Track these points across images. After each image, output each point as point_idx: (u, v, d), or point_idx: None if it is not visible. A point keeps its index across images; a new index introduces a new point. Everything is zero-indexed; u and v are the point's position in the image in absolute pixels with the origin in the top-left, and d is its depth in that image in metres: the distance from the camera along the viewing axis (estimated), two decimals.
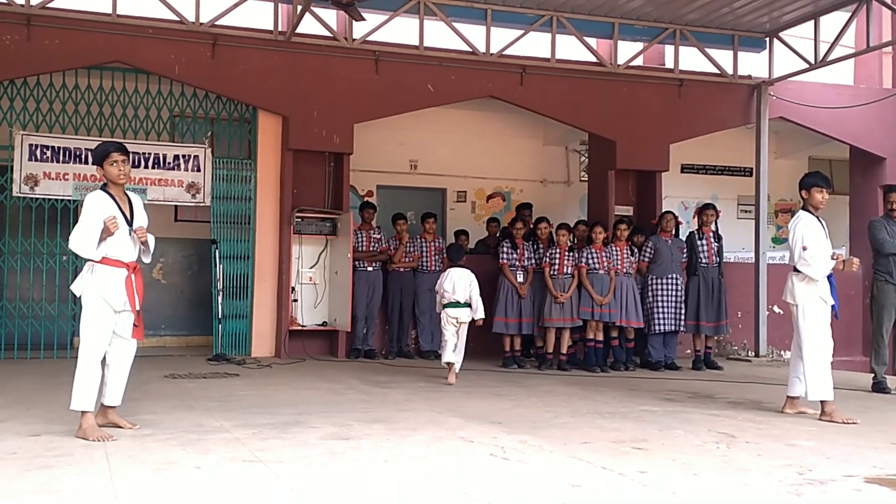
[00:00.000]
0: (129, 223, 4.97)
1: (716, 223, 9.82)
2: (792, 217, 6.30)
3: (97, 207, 4.86)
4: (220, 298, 9.51)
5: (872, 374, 7.73)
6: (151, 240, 5.08)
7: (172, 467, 4.05)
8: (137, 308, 4.96)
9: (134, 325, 4.99)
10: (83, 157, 9.18)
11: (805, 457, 4.58)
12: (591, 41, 10.83)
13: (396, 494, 3.62)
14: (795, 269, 5.98)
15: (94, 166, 5.10)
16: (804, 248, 5.88)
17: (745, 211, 13.22)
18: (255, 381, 7.69)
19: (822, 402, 5.88)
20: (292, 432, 5.02)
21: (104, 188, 5.01)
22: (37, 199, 9.18)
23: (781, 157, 13.57)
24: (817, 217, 6.11)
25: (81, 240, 4.79)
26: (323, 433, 5.00)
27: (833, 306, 5.93)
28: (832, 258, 5.96)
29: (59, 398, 6.15)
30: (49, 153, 9.09)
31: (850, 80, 12.42)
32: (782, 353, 10.72)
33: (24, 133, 9.06)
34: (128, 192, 5.12)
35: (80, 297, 4.93)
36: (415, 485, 3.81)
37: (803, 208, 6.18)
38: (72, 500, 3.41)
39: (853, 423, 5.70)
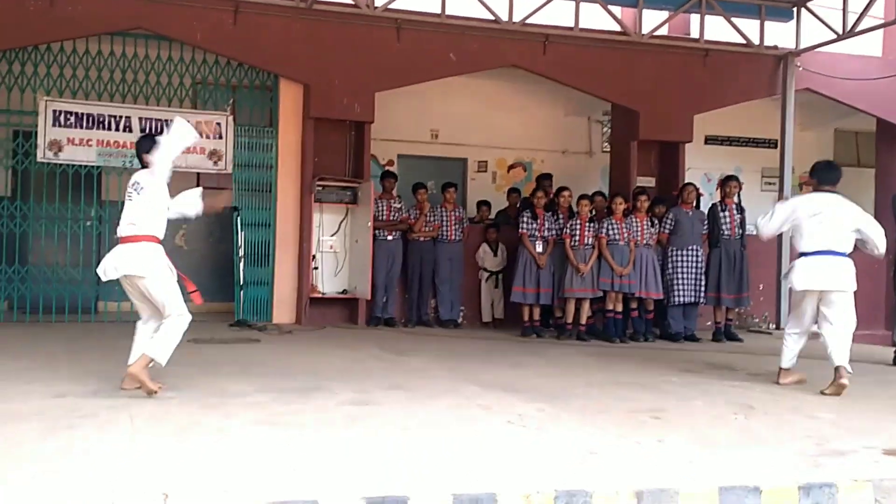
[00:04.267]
0: None
1: (739, 195, 9.73)
2: None
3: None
4: (241, 265, 9.58)
5: (894, 348, 7.68)
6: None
7: (194, 430, 4.11)
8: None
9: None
10: (106, 123, 9.24)
11: (824, 429, 4.58)
12: (616, 10, 10.68)
13: (414, 460, 3.65)
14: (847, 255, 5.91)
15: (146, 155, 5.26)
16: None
17: (769, 183, 13.08)
18: (276, 347, 7.76)
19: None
20: (312, 397, 5.07)
21: None
22: (61, 164, 9.25)
23: (807, 129, 13.39)
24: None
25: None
26: (342, 399, 5.06)
27: None
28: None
29: (84, 361, 6.28)
30: (73, 119, 9.15)
31: (879, 51, 12.20)
32: None
33: (47, 99, 9.11)
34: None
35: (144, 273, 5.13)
36: (432, 451, 3.84)
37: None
38: (95, 460, 3.48)
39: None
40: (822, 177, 6.11)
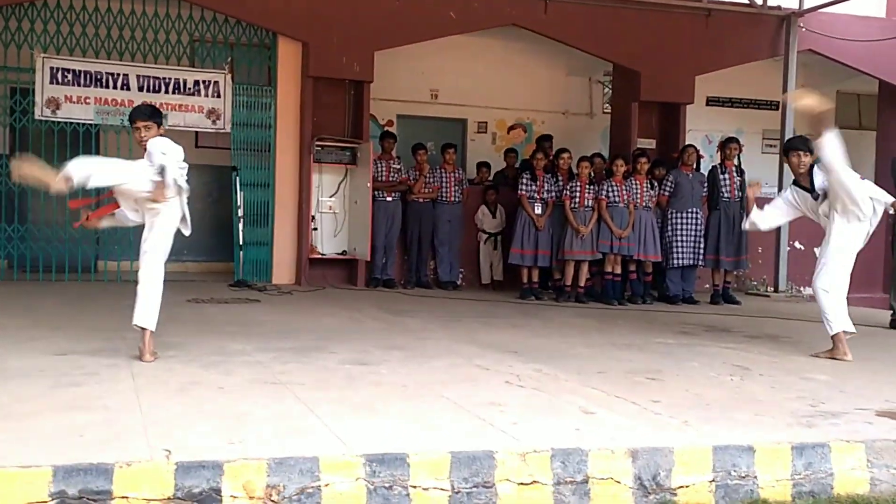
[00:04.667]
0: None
1: (739, 157, 9.70)
2: None
3: None
4: (241, 225, 9.58)
5: (892, 311, 7.72)
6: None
7: (196, 387, 4.15)
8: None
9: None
10: (104, 81, 9.18)
11: (819, 390, 4.63)
12: None
13: (412, 418, 3.69)
14: None
15: None
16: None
17: (770, 145, 13.04)
18: (275, 307, 7.80)
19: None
20: (312, 357, 5.11)
21: None
22: (59, 122, 9.21)
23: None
24: (797, 181, 5.91)
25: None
26: (342, 358, 5.10)
27: None
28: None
29: (85, 319, 6.32)
30: (70, 76, 9.09)
31: (882, 12, 12.08)
32: (801, 289, 10.71)
33: (45, 56, 9.05)
34: (153, 143, 4.89)
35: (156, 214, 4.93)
36: (431, 409, 3.88)
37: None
38: (99, 416, 3.51)
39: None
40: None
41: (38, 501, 2.74)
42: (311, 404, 3.84)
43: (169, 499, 2.84)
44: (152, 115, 4.96)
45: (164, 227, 4.91)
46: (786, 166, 10.90)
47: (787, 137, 10.96)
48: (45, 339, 5.39)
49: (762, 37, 11.09)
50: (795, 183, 5.94)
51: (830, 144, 5.43)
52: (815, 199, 5.79)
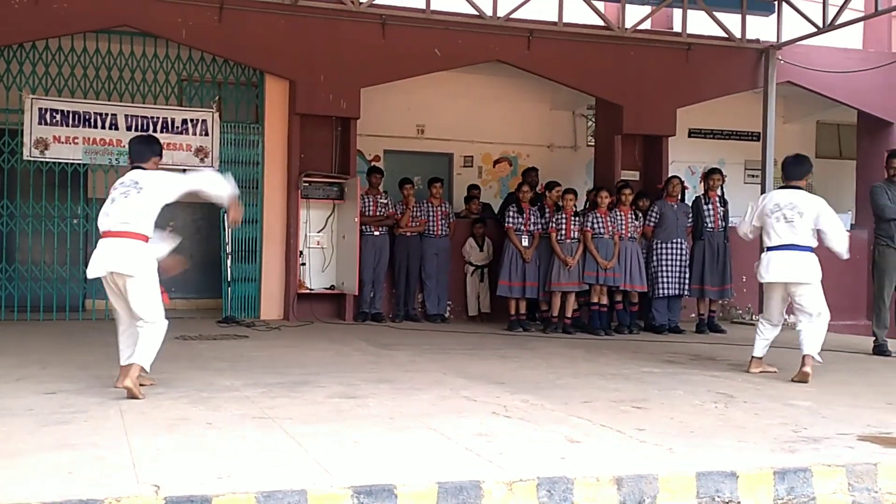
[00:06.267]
0: None
1: (722, 188, 9.84)
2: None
3: None
4: (229, 262, 9.63)
5: (874, 338, 7.81)
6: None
7: (185, 424, 4.17)
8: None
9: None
10: (92, 121, 9.26)
11: (801, 416, 4.69)
12: (599, 5, 10.80)
13: (400, 450, 3.73)
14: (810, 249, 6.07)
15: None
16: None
17: (752, 175, 13.20)
18: (264, 342, 7.82)
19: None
20: (301, 391, 5.14)
21: None
22: (47, 162, 9.27)
23: (789, 122, 13.53)
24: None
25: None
26: (330, 392, 5.13)
27: None
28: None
29: (73, 358, 6.33)
30: (59, 117, 9.16)
31: (859, 43, 12.35)
32: (787, 317, 10.77)
33: (33, 97, 9.12)
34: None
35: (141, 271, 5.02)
36: (418, 440, 3.92)
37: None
38: (88, 454, 3.53)
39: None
40: (788, 172, 6.32)
41: None
42: (300, 438, 3.87)
43: None
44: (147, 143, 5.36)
45: (140, 287, 4.98)
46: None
47: (768, 168, 11.17)
48: (33, 378, 5.41)
49: (742, 69, 11.29)
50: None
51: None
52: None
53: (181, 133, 9.61)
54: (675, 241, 9.50)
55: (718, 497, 3.45)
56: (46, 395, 4.83)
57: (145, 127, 9.32)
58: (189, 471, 3.28)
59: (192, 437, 3.88)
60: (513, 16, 10.28)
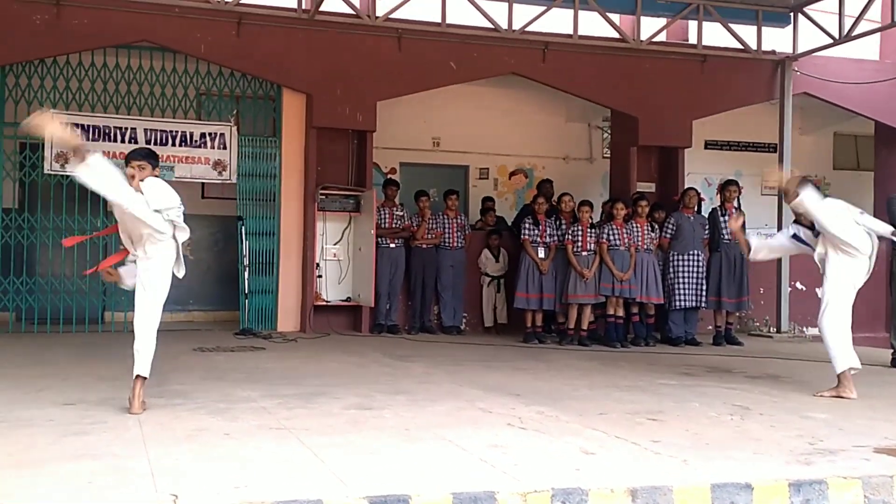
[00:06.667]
0: None
1: (738, 199, 9.82)
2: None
3: None
4: (246, 274, 9.70)
5: (892, 350, 7.76)
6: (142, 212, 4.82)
7: (202, 434, 4.22)
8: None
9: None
10: (112, 135, 9.38)
11: (818, 429, 4.67)
12: (614, 17, 10.82)
13: (416, 460, 3.75)
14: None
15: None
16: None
17: (769, 187, 13.17)
18: (280, 354, 7.87)
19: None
20: (317, 402, 5.18)
21: None
22: (67, 176, 9.37)
23: (806, 133, 13.49)
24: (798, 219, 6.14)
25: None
26: (346, 403, 5.16)
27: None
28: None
29: (93, 370, 6.40)
30: (79, 131, 9.22)
31: (876, 54, 12.29)
32: (804, 329, 10.74)
33: (54, 112, 9.21)
34: (146, 183, 4.94)
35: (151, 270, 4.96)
36: (433, 451, 3.94)
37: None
38: (108, 464, 3.58)
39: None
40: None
41: None
42: (316, 448, 3.91)
43: None
44: (148, 156, 5.05)
45: (159, 268, 4.91)
46: (785, 206, 11.07)
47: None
48: (53, 389, 5.47)
49: (758, 81, 11.28)
50: (797, 221, 6.10)
51: (807, 200, 5.73)
52: (816, 235, 5.94)
53: (200, 147, 9.72)
54: (691, 252, 9.48)
55: None
56: (66, 406, 4.89)
57: (164, 141, 9.43)
58: (207, 481, 3.32)
59: (210, 448, 3.92)
60: (528, 29, 10.32)
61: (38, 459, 3.62)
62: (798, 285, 10.96)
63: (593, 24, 10.73)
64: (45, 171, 9.25)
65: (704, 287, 9.50)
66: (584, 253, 9.15)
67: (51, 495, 3.06)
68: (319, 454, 3.80)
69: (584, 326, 9.23)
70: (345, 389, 5.69)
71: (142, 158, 4.99)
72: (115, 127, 9.39)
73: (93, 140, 9.31)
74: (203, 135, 9.73)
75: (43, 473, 3.39)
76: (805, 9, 10.85)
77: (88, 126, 9.31)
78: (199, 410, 4.84)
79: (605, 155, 12.86)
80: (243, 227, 9.78)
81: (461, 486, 3.30)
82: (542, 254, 9.40)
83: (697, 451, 4.04)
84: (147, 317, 4.88)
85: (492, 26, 10.21)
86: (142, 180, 4.90)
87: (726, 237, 9.55)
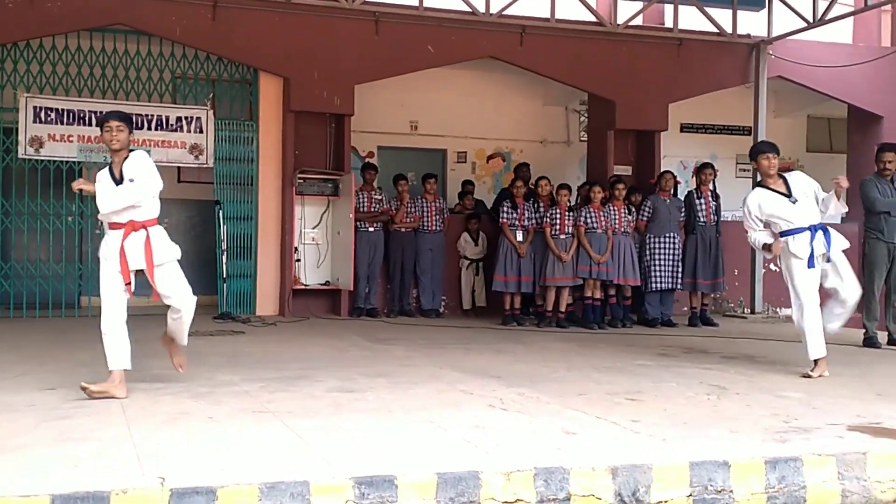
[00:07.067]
0: (118, 182, 4.87)
1: (714, 182, 9.92)
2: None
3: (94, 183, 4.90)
4: (224, 258, 9.67)
5: (864, 330, 7.90)
6: (126, 191, 4.87)
7: (186, 418, 4.23)
8: (131, 268, 4.89)
9: (126, 282, 4.91)
10: (87, 119, 9.28)
11: (792, 407, 4.76)
12: (591, 1, 10.83)
13: (399, 442, 3.79)
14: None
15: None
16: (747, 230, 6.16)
17: (744, 170, 13.29)
18: (260, 338, 7.88)
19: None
20: (299, 385, 5.20)
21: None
22: (42, 160, 9.29)
23: (780, 116, 13.61)
24: (770, 185, 6.09)
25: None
26: (328, 386, 5.19)
27: (824, 254, 5.99)
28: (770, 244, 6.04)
29: (71, 354, 6.38)
30: (53, 115, 9.19)
31: (849, 38, 12.43)
32: (778, 310, 10.89)
33: (28, 95, 9.15)
34: (131, 153, 5.00)
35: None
36: (416, 432, 3.99)
37: (757, 183, 6.28)
38: (92, 447, 3.58)
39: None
40: None
41: None
42: (300, 431, 3.94)
43: None
44: (126, 119, 5.01)
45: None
46: None
47: None
48: (33, 375, 5.46)
49: (733, 64, 11.37)
50: (761, 185, 6.10)
51: None
52: (793, 202, 5.96)
53: (176, 130, 9.65)
54: (667, 235, 9.58)
55: (711, 486, 3.52)
56: (47, 391, 4.88)
57: (140, 125, 9.35)
58: (192, 463, 3.34)
59: (194, 431, 3.94)
60: (505, 12, 10.33)
61: (21, 444, 3.62)
62: (772, 267, 11.09)
63: (571, 8, 10.73)
64: (20, 156, 9.16)
65: (680, 269, 9.61)
66: (562, 236, 9.21)
67: (36, 480, 3.06)
68: (304, 436, 3.83)
69: (563, 309, 9.31)
70: (326, 373, 5.71)
71: (121, 120, 4.95)
72: (89, 111, 9.28)
73: (67, 125, 9.23)
74: (179, 118, 9.67)
75: (27, 458, 3.39)
76: None
77: (63, 110, 9.23)
78: (181, 394, 4.85)
79: (581, 138, 12.92)
80: (221, 212, 9.74)
81: (445, 467, 3.35)
82: (520, 237, 9.45)
83: (676, 430, 4.11)
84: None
85: (469, 10, 10.21)
86: (121, 146, 4.89)
87: (701, 220, 9.66)
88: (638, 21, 11.05)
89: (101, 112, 9.06)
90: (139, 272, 4.93)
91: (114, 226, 4.93)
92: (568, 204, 9.35)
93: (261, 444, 3.71)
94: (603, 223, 9.24)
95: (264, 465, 3.33)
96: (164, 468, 3.23)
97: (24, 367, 5.75)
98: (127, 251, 4.85)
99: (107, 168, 5.00)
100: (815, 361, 5.93)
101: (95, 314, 8.97)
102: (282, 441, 3.77)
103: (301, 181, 9.92)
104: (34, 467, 3.25)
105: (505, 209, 9.57)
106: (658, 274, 9.53)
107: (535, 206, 9.60)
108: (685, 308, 10.05)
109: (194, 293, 5.18)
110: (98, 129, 5.13)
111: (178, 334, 5.20)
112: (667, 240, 9.58)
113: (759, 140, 6.43)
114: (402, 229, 10.04)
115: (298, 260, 10.10)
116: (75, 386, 5.00)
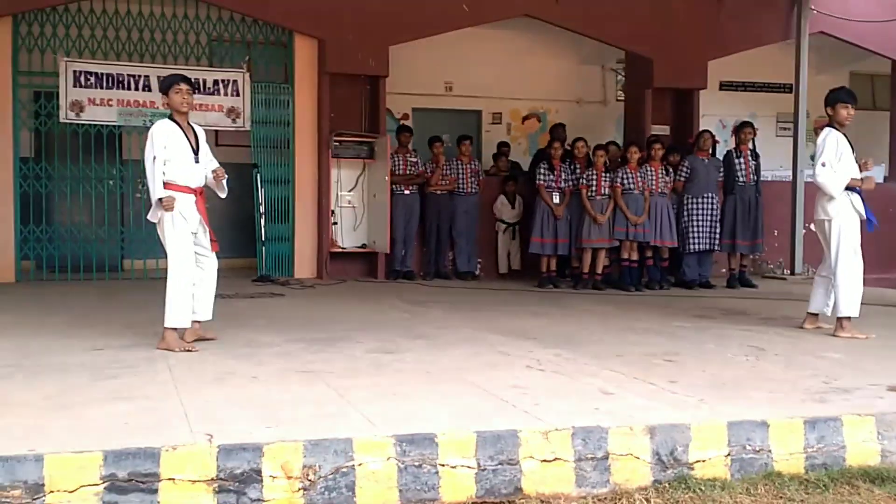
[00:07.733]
0: (196, 151, 5.26)
1: (753, 141, 9.78)
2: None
3: (160, 137, 5.12)
4: (262, 221, 9.77)
5: None
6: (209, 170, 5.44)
7: (231, 377, 4.33)
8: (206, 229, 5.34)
9: (212, 239, 5.37)
10: (126, 83, 9.37)
11: (832, 368, 4.75)
12: None
13: (439, 401, 3.85)
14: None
15: (161, 95, 5.37)
16: (822, 164, 5.88)
17: (784, 129, 13.08)
18: (299, 300, 7.99)
19: (840, 318, 5.92)
20: (339, 346, 5.29)
21: (171, 117, 5.26)
22: (83, 125, 9.41)
23: (822, 73, 13.28)
24: (844, 134, 6.05)
25: (151, 182, 5.14)
26: (368, 347, 5.27)
27: (870, 219, 5.94)
28: (859, 176, 5.92)
29: (117, 316, 6.52)
30: (93, 79, 9.28)
31: None
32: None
33: (67, 60, 9.24)
34: (192, 124, 5.37)
35: (157, 224, 5.20)
36: (455, 392, 4.04)
37: (829, 125, 6.14)
38: (142, 405, 3.70)
39: (870, 337, 5.77)
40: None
41: (90, 484, 2.92)
42: (342, 390, 4.01)
43: (212, 479, 3.01)
44: (190, 82, 5.32)
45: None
46: (801, 148, 11.00)
47: (800, 120, 11.05)
48: (81, 336, 5.59)
49: (773, 20, 11.13)
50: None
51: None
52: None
53: (213, 94, 9.71)
54: (706, 195, 9.48)
55: (749, 446, 3.54)
56: (96, 352, 5.01)
57: None
58: (238, 421, 3.43)
59: (239, 390, 4.04)
60: None
61: (72, 402, 3.74)
62: (812, 227, 10.94)
63: None
64: (61, 120, 9.27)
65: (718, 230, 9.52)
66: (599, 197, 9.17)
67: (90, 436, 3.17)
68: (345, 396, 3.91)
69: (599, 270, 9.29)
70: (365, 334, 5.79)
71: (189, 83, 5.27)
72: (128, 74, 9.37)
73: (106, 89, 9.33)
74: (216, 81, 9.72)
75: (78, 416, 3.50)
76: None
77: (102, 74, 9.31)
78: (224, 355, 4.96)
79: (618, 98, 12.78)
80: (258, 175, 9.82)
81: (484, 425, 3.40)
82: (556, 199, 9.41)
83: (714, 391, 4.12)
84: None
85: None
86: (189, 108, 5.26)
87: (741, 180, 9.53)
88: None
89: (159, 76, 9.28)
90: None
91: (185, 189, 5.18)
92: (604, 165, 9.28)
93: (304, 402, 3.79)
94: (640, 184, 9.17)
95: (308, 423, 3.41)
96: (211, 426, 3.32)
97: (73, 330, 5.89)
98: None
99: (175, 126, 5.22)
100: (841, 321, 5.86)
101: (138, 277, 9.27)
102: (324, 399, 3.85)
103: (337, 144, 9.95)
104: (87, 425, 3.36)
105: (542, 171, 9.53)
106: (696, 235, 9.45)
107: (572, 167, 9.55)
108: (723, 269, 9.97)
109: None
110: (136, 92, 5.35)
111: (207, 305, 5.41)
112: (705, 200, 9.48)
113: (838, 87, 6.23)
114: (438, 192, 10.05)
115: (335, 223, 10.17)
116: (123, 347, 5.15)
